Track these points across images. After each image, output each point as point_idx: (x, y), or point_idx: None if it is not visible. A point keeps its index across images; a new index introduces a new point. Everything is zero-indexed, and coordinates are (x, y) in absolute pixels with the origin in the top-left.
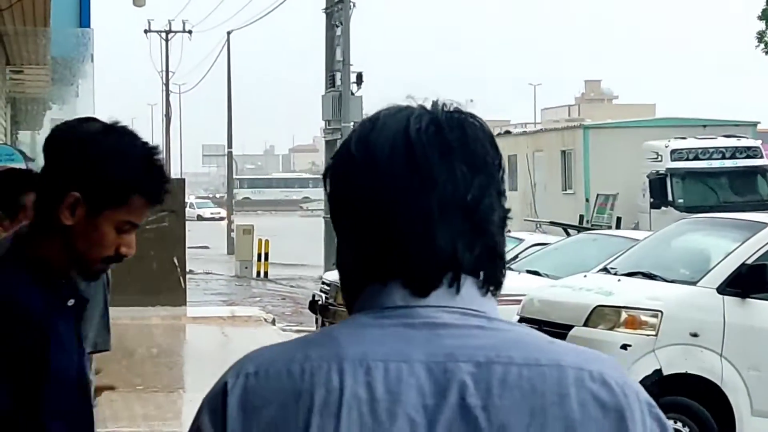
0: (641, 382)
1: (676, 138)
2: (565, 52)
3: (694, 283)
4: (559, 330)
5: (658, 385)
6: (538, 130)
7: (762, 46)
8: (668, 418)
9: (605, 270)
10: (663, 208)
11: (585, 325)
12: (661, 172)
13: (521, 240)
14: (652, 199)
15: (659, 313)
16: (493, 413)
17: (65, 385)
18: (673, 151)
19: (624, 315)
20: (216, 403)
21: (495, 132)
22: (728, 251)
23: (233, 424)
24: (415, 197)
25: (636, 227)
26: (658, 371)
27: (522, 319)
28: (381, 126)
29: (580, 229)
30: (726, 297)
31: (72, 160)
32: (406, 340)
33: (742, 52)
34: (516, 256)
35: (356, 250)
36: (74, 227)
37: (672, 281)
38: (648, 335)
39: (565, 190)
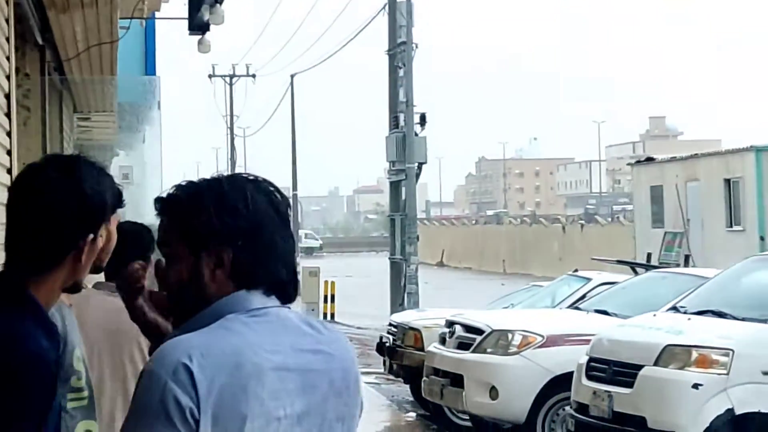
0: (713, 421)
1: None
2: (629, 89)
3: (765, 321)
4: (629, 369)
5: (731, 424)
6: (691, 155)
7: None
8: None
9: (675, 309)
10: None
11: (655, 364)
12: None
13: (589, 279)
14: None
15: (730, 352)
16: (327, 369)
17: (54, 413)
18: None
19: (695, 354)
20: (181, 375)
21: (631, 160)
22: None
23: (202, 387)
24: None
25: None
26: (731, 410)
27: (592, 359)
28: (252, 191)
29: (648, 267)
30: None
31: (74, 205)
32: (274, 331)
33: None
34: (584, 296)
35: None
36: (95, 255)
37: (742, 319)
38: (719, 374)
39: (731, 227)
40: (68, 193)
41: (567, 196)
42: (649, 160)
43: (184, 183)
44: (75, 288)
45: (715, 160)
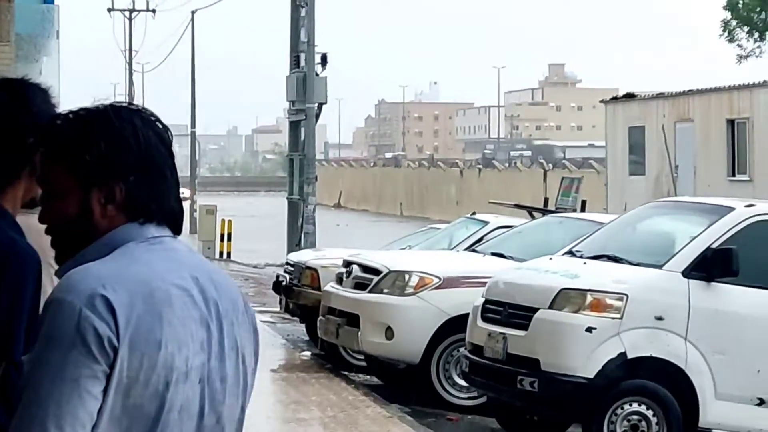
0: (606, 365)
1: None
2: (530, 35)
3: (659, 267)
4: (524, 312)
5: (623, 368)
6: (684, 91)
7: (726, 34)
8: (632, 401)
9: (571, 253)
10: None
11: (550, 307)
12: None
13: (486, 222)
14: None
15: (624, 297)
16: (219, 298)
17: None
18: None
19: (589, 298)
20: (98, 304)
21: (610, 96)
22: (693, 235)
23: (122, 316)
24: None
25: None
26: (623, 354)
27: (487, 301)
28: (139, 123)
29: (545, 212)
30: (691, 281)
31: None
32: (173, 259)
33: (706, 37)
34: (481, 239)
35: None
36: None
37: (637, 264)
38: (613, 318)
39: (733, 176)
40: (20, 112)
41: (465, 140)
42: (629, 96)
43: (67, 113)
44: (32, 203)
45: (714, 97)
